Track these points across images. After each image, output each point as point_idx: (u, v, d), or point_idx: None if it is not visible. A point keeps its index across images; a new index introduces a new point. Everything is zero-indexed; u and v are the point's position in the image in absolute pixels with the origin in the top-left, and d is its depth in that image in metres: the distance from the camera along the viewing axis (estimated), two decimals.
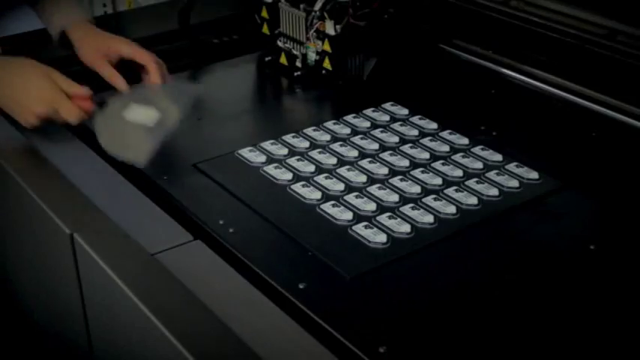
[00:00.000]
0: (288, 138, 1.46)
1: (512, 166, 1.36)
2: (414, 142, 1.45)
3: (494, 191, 1.30)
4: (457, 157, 1.40)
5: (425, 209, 1.26)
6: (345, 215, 1.25)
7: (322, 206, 1.27)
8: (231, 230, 1.23)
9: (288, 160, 1.40)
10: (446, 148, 1.42)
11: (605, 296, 1.11)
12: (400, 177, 1.34)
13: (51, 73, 1.41)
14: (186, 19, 1.81)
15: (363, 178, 1.34)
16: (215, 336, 1.02)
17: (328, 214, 1.25)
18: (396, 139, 1.46)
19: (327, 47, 1.64)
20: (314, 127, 1.50)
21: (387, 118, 1.53)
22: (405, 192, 1.30)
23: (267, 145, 1.45)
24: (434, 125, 1.50)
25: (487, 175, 1.35)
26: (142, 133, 1.37)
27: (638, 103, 1.49)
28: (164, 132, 1.37)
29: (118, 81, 1.51)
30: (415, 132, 1.48)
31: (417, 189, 1.31)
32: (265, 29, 1.78)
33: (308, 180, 1.34)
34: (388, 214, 1.25)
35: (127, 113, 1.40)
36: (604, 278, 1.14)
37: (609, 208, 1.29)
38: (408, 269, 1.16)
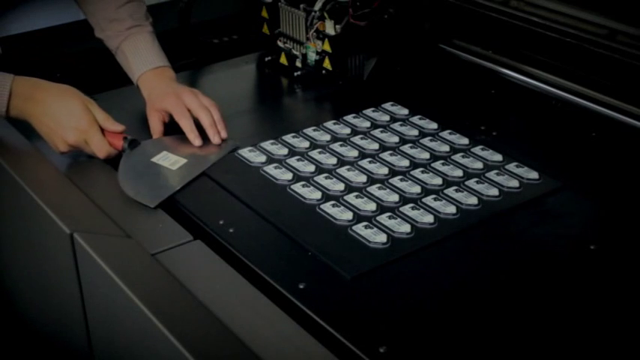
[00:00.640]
0: (288, 138, 1.46)
1: (512, 166, 1.36)
2: (414, 142, 1.45)
3: (494, 191, 1.30)
4: (457, 157, 1.40)
5: (425, 209, 1.26)
6: (345, 215, 1.25)
7: (322, 206, 1.27)
8: (231, 230, 1.23)
9: (288, 160, 1.40)
10: (446, 148, 1.42)
11: (605, 296, 1.11)
12: (400, 177, 1.34)
13: (89, 104, 1.40)
14: (187, 19, 1.81)
15: (363, 178, 1.34)
16: (215, 336, 1.02)
17: (328, 214, 1.25)
18: (396, 139, 1.46)
19: (327, 47, 1.65)
20: (314, 127, 1.50)
21: (387, 118, 1.53)
22: (405, 192, 1.30)
23: (267, 145, 1.45)
24: (434, 125, 1.50)
25: (487, 175, 1.35)
26: (160, 178, 1.36)
27: (638, 103, 1.49)
28: (184, 179, 1.35)
29: (155, 136, 1.48)
30: (415, 132, 1.48)
31: (417, 189, 1.31)
32: (265, 29, 1.78)
33: (308, 180, 1.34)
34: (388, 214, 1.25)
35: (156, 157, 1.40)
36: (604, 278, 1.14)
37: (609, 208, 1.29)
38: (408, 269, 1.16)
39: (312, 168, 1.37)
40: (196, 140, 1.44)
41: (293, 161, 1.39)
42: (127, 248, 1.19)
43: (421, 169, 1.36)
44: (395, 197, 1.29)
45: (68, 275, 1.24)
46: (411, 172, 1.35)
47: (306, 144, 1.45)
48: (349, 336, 1.03)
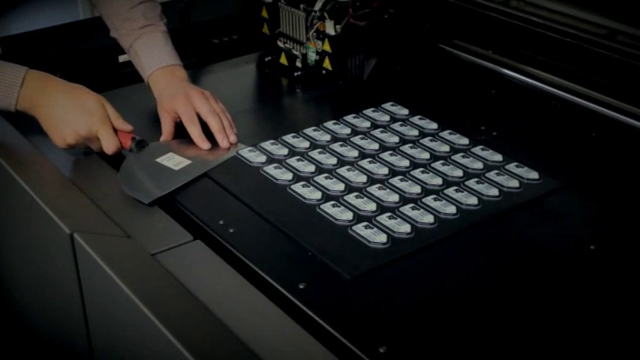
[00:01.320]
0: (288, 138, 1.46)
1: (512, 166, 1.36)
2: (414, 142, 1.45)
3: (495, 191, 1.30)
4: (457, 157, 1.40)
5: (425, 209, 1.26)
6: (345, 215, 1.25)
7: (322, 206, 1.27)
8: (231, 230, 1.23)
9: (288, 160, 1.40)
10: (446, 148, 1.42)
11: (605, 296, 1.11)
12: (400, 177, 1.34)
13: (104, 101, 1.41)
14: (187, 19, 1.81)
15: (363, 178, 1.34)
16: (215, 336, 1.02)
17: (328, 214, 1.25)
18: (396, 139, 1.46)
19: (327, 47, 1.65)
20: (314, 127, 1.50)
21: (387, 118, 1.53)
22: (405, 192, 1.30)
23: (267, 145, 1.45)
24: (434, 125, 1.50)
25: (487, 175, 1.35)
26: (160, 176, 1.36)
27: (638, 103, 1.49)
28: (183, 179, 1.35)
29: (165, 138, 1.47)
30: (415, 132, 1.48)
31: (417, 189, 1.31)
32: (265, 29, 1.78)
33: (308, 180, 1.34)
34: (388, 214, 1.25)
35: (160, 158, 1.40)
36: (604, 278, 1.14)
37: (609, 208, 1.29)
38: (408, 269, 1.16)
39: (312, 168, 1.37)
40: (204, 144, 1.44)
41: (293, 161, 1.39)
42: (127, 248, 1.19)
43: (421, 169, 1.36)
44: (395, 197, 1.29)
45: (68, 275, 1.24)
46: (411, 172, 1.35)
47: (306, 144, 1.45)
48: (349, 336, 1.03)
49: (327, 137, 1.47)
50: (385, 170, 1.36)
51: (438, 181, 1.33)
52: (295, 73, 1.73)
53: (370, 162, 1.38)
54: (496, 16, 1.69)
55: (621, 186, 1.33)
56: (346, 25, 1.62)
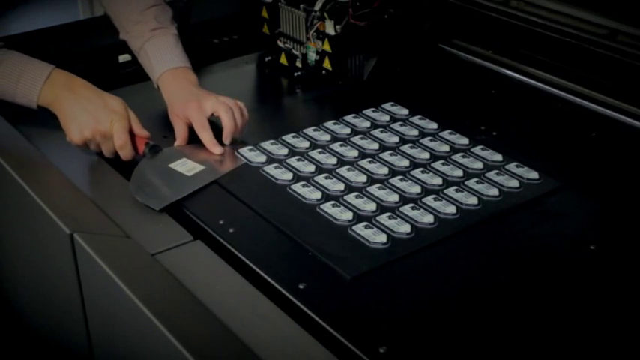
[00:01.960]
0: (288, 138, 1.46)
1: (512, 166, 1.36)
2: (414, 142, 1.45)
3: (495, 191, 1.30)
4: (457, 157, 1.40)
5: (425, 209, 1.26)
6: (345, 215, 1.25)
7: (322, 206, 1.27)
8: (231, 230, 1.23)
9: (288, 160, 1.40)
10: (446, 148, 1.42)
11: (605, 296, 1.11)
12: (400, 177, 1.34)
13: (126, 105, 1.41)
14: (187, 19, 1.81)
15: (363, 178, 1.34)
16: (215, 336, 1.02)
17: (328, 214, 1.25)
18: (396, 139, 1.46)
19: (327, 47, 1.65)
20: (314, 127, 1.50)
21: (387, 118, 1.53)
22: (405, 192, 1.30)
23: (267, 145, 1.45)
24: (434, 125, 1.50)
25: (487, 175, 1.35)
26: (172, 183, 1.34)
27: (638, 103, 1.49)
28: (195, 185, 1.34)
29: (179, 143, 1.46)
30: (415, 132, 1.48)
31: (417, 189, 1.31)
32: (265, 29, 1.78)
33: (308, 180, 1.34)
34: (388, 214, 1.25)
35: (174, 163, 1.39)
36: (604, 278, 1.14)
37: (609, 208, 1.29)
38: (408, 269, 1.16)
39: (312, 168, 1.37)
40: (216, 149, 1.43)
41: (293, 161, 1.39)
42: (127, 248, 1.19)
43: (421, 169, 1.36)
44: (395, 197, 1.29)
45: (68, 275, 1.24)
46: (411, 172, 1.35)
47: (306, 144, 1.45)
48: (349, 336, 1.03)
49: (327, 137, 1.47)
50: (385, 170, 1.36)
51: (438, 181, 1.33)
52: (295, 73, 1.73)
53: (370, 162, 1.38)
54: (496, 16, 1.69)
55: (621, 186, 1.33)
56: (346, 25, 1.62)
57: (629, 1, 1.53)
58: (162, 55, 1.53)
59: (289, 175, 1.35)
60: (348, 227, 1.22)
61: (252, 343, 1.00)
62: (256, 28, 1.80)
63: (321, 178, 1.34)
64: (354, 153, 1.41)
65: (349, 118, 1.53)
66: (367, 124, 1.51)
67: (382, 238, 1.19)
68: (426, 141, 1.45)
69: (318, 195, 1.30)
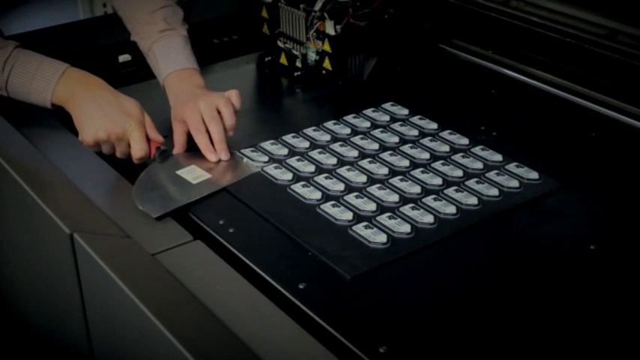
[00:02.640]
0: (288, 138, 1.46)
1: (512, 166, 1.36)
2: (414, 142, 1.45)
3: (495, 191, 1.30)
4: (457, 157, 1.40)
5: (425, 209, 1.26)
6: (345, 215, 1.25)
7: (322, 206, 1.27)
8: (231, 230, 1.23)
9: (288, 160, 1.40)
10: (446, 148, 1.42)
11: (605, 296, 1.11)
12: (400, 177, 1.34)
13: (142, 108, 1.39)
14: (187, 19, 1.81)
15: (363, 178, 1.34)
16: (215, 336, 1.02)
17: (328, 214, 1.25)
18: (396, 139, 1.46)
19: (327, 47, 1.65)
20: (314, 127, 1.50)
21: (387, 118, 1.53)
22: (405, 192, 1.30)
23: (267, 145, 1.45)
24: (434, 125, 1.50)
25: (487, 175, 1.35)
26: (176, 190, 1.33)
27: (638, 103, 1.49)
28: (198, 194, 1.32)
29: (177, 150, 1.43)
30: (415, 132, 1.48)
31: (417, 189, 1.31)
32: (265, 29, 1.78)
33: (308, 180, 1.34)
34: (388, 214, 1.25)
35: (181, 170, 1.37)
36: (604, 278, 1.14)
37: (609, 208, 1.29)
38: (408, 269, 1.16)
39: (312, 168, 1.37)
40: (212, 156, 1.40)
41: (293, 161, 1.39)
42: (127, 248, 1.19)
43: (421, 169, 1.36)
44: (395, 197, 1.29)
45: (68, 275, 1.24)
46: (411, 172, 1.35)
47: (306, 144, 1.45)
48: (349, 336, 1.03)
49: (327, 137, 1.47)
50: (385, 170, 1.36)
51: (438, 181, 1.33)
52: (295, 73, 1.73)
53: (370, 162, 1.38)
54: (496, 16, 1.69)
55: (621, 186, 1.33)
56: (346, 25, 1.62)
57: (629, 1, 1.53)
58: (169, 56, 1.52)
59: (289, 175, 1.35)
60: (348, 227, 1.22)
61: (252, 343, 1.00)
62: (256, 28, 1.80)
63: (321, 178, 1.34)
64: (354, 153, 1.41)
65: (349, 118, 1.53)
66: (367, 124, 1.51)
67: (382, 238, 1.19)
68: (426, 141, 1.45)
69: (318, 195, 1.30)
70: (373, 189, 1.31)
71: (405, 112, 1.55)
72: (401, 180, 1.33)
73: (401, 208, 1.26)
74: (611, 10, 1.54)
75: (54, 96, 1.41)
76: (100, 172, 1.40)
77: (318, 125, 1.50)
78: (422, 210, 1.25)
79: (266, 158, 1.41)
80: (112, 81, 1.64)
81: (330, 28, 1.63)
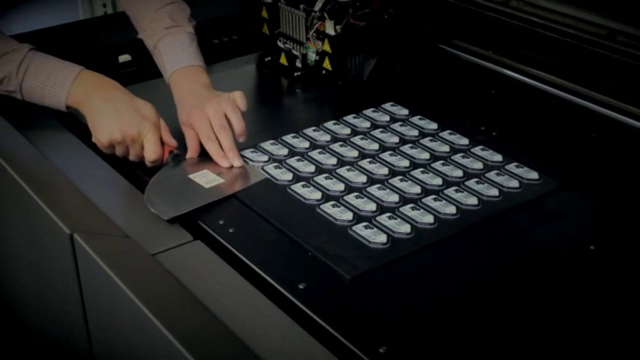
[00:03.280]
0: (288, 138, 1.46)
1: (512, 167, 1.36)
2: (414, 143, 1.45)
3: (495, 191, 1.30)
4: (457, 157, 1.40)
5: (425, 209, 1.26)
6: (345, 215, 1.25)
7: (322, 206, 1.27)
8: (231, 230, 1.23)
9: (288, 161, 1.40)
10: (446, 148, 1.42)
11: (605, 296, 1.11)
12: (400, 177, 1.34)
13: (156, 111, 1.39)
14: None
15: (363, 179, 1.34)
16: (215, 336, 1.02)
17: (328, 214, 1.25)
18: (396, 139, 1.46)
19: (327, 47, 1.65)
20: (314, 128, 1.50)
21: (387, 118, 1.53)
22: (405, 192, 1.30)
23: (267, 145, 1.45)
24: (434, 125, 1.50)
25: (487, 175, 1.35)
26: (187, 193, 1.32)
27: (638, 103, 1.49)
28: (209, 198, 1.31)
29: (190, 155, 1.42)
30: (415, 132, 1.48)
31: (417, 189, 1.31)
32: (265, 29, 1.78)
33: (308, 180, 1.34)
34: (388, 214, 1.25)
35: (194, 174, 1.37)
36: (604, 278, 1.14)
37: (609, 208, 1.29)
38: (408, 269, 1.16)
39: (312, 168, 1.37)
40: (223, 161, 1.38)
41: (293, 161, 1.39)
42: (127, 248, 1.19)
43: (421, 169, 1.36)
44: (395, 197, 1.29)
45: (68, 275, 1.24)
46: (411, 173, 1.35)
47: (306, 144, 1.45)
48: (349, 336, 1.03)
49: (327, 137, 1.47)
50: (385, 170, 1.36)
51: (438, 181, 1.33)
52: (295, 73, 1.73)
53: (370, 162, 1.38)
54: (496, 16, 1.69)
55: (621, 186, 1.33)
56: (346, 25, 1.62)
57: (629, 1, 1.53)
58: (174, 53, 1.51)
59: (289, 176, 1.35)
60: (348, 227, 1.22)
61: (252, 343, 1.00)
62: (256, 28, 1.80)
63: (321, 179, 1.34)
64: (354, 153, 1.41)
65: (349, 118, 1.53)
66: (367, 124, 1.51)
67: (382, 238, 1.19)
68: (425, 141, 1.45)
69: (318, 195, 1.30)
70: (373, 189, 1.31)
71: (405, 112, 1.55)
72: (401, 180, 1.33)
73: (401, 209, 1.26)
74: (611, 10, 1.54)
75: (68, 98, 1.41)
76: (100, 172, 1.40)
77: (318, 125, 1.50)
78: (422, 210, 1.25)
79: (266, 158, 1.41)
80: None
81: (330, 28, 1.63)
